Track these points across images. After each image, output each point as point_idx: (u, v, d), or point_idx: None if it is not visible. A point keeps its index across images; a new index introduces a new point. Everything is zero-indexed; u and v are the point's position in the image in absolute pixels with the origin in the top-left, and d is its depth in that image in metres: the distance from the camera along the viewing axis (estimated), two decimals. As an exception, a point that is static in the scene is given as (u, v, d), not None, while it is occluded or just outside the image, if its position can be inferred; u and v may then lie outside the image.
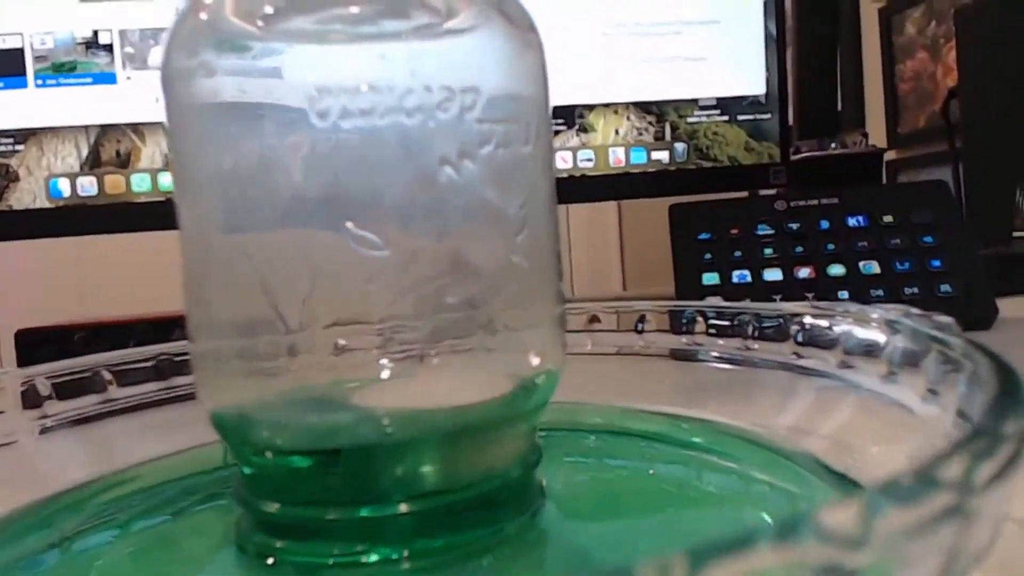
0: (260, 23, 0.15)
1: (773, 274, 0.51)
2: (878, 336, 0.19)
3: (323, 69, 0.14)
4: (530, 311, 0.16)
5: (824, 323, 0.20)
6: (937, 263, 0.50)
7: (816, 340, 0.20)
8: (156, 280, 0.65)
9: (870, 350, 0.18)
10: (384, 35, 0.14)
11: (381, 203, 0.14)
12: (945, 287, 0.48)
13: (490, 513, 0.17)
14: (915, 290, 0.48)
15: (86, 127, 0.52)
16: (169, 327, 0.51)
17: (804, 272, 0.51)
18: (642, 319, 0.25)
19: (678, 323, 0.25)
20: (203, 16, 0.16)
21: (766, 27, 0.60)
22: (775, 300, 0.51)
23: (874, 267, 0.50)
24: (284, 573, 0.17)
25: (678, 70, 0.60)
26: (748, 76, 0.60)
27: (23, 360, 0.49)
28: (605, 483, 0.21)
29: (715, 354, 0.22)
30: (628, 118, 0.59)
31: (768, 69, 0.60)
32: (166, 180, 0.53)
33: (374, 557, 0.16)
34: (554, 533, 0.18)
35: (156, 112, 0.54)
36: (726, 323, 0.22)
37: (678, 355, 0.23)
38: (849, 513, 0.07)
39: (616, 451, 0.23)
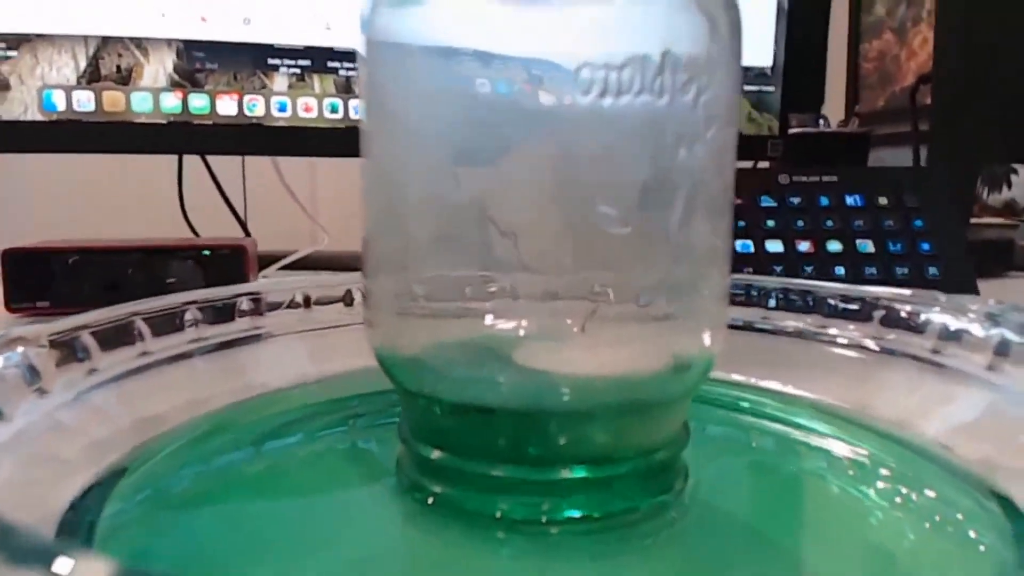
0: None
1: (775, 245, 0.53)
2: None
3: (587, 39, 0.14)
4: (715, 291, 0.17)
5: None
6: (926, 246, 0.53)
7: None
8: (150, 205, 0.62)
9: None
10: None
11: (625, 180, 0.14)
12: (933, 270, 0.51)
13: (639, 488, 0.18)
14: (905, 271, 0.51)
15: (85, 37, 0.48)
16: (164, 256, 0.50)
17: (804, 246, 0.53)
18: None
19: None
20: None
21: (779, 0, 0.61)
22: (775, 271, 0.53)
23: (869, 246, 0.53)
24: (443, 514, 0.17)
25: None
26: (757, 48, 0.61)
27: (11, 281, 0.47)
28: (750, 472, 0.21)
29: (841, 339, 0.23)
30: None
31: (776, 42, 0.61)
32: (169, 102, 0.51)
33: (546, 517, 0.17)
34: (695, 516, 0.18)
35: (162, 27, 0.51)
36: (854, 307, 0.23)
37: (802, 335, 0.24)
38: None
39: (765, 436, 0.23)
